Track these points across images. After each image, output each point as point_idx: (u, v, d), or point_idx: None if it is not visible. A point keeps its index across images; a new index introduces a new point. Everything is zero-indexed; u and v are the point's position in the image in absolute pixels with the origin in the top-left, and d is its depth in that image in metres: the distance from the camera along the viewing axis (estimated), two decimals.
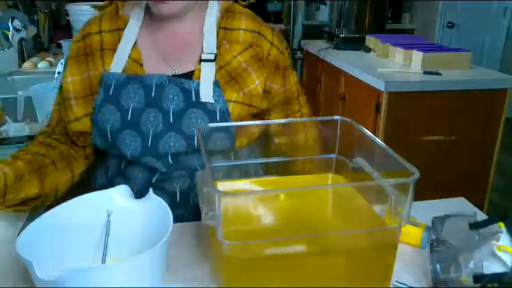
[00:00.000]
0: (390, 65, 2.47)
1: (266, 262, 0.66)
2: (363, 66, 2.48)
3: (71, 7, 2.20)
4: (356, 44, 2.97)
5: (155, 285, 0.66)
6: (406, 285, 0.73)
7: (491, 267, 0.66)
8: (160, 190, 0.93)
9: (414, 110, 2.20)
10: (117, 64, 0.95)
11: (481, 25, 4.44)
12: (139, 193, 0.83)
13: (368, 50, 2.88)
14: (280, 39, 1.04)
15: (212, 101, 0.92)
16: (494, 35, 4.50)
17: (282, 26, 4.15)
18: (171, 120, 0.92)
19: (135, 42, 0.97)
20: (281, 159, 0.86)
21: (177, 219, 0.77)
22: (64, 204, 0.75)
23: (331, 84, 2.91)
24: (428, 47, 2.47)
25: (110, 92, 0.94)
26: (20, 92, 1.56)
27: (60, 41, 2.38)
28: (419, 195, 0.69)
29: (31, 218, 0.89)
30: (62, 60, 1.69)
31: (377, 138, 0.73)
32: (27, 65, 2.31)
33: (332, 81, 2.89)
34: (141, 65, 0.96)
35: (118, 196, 0.79)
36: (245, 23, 0.99)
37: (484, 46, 4.51)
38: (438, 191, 1.17)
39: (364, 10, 3.07)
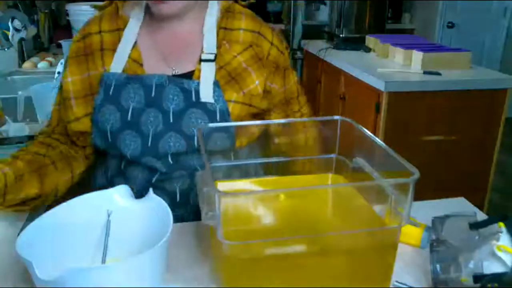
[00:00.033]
0: (390, 65, 2.47)
1: (266, 262, 0.66)
2: (363, 66, 2.48)
3: (71, 7, 2.20)
4: (356, 44, 2.97)
5: (155, 285, 0.66)
6: (406, 285, 0.73)
7: (491, 267, 0.66)
8: (160, 190, 0.93)
9: (414, 110, 2.20)
10: (117, 64, 0.95)
11: (481, 25, 4.44)
12: (139, 193, 0.83)
13: (368, 50, 2.88)
14: (280, 39, 1.03)
15: (212, 101, 0.92)
16: (494, 35, 4.50)
17: (282, 26, 4.14)
18: (171, 120, 0.92)
19: (135, 42, 0.97)
20: (281, 159, 0.86)
21: (177, 219, 0.77)
22: (64, 204, 0.75)
23: (331, 84, 2.91)
24: (428, 47, 2.47)
25: (110, 92, 0.94)
26: (20, 92, 1.56)
27: (60, 41, 2.38)
28: (419, 195, 0.69)
29: (31, 218, 0.89)
30: (62, 60, 1.69)
31: (377, 138, 0.73)
32: (27, 65, 2.31)
33: (332, 81, 2.89)
34: (141, 65, 0.96)
35: (118, 196, 0.79)
36: (245, 23, 0.99)
37: (484, 46, 4.51)
38: (438, 191, 1.17)
39: (364, 10, 3.07)
